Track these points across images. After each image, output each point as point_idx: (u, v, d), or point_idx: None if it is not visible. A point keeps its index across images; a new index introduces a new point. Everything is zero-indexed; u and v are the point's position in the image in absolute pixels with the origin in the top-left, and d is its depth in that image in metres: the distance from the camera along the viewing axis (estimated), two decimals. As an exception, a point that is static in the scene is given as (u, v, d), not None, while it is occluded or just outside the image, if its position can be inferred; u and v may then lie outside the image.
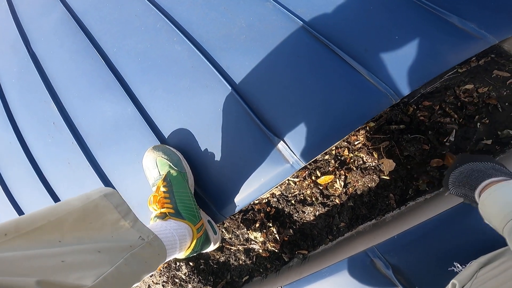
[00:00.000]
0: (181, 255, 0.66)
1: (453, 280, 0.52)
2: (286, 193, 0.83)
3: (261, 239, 0.84)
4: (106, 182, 0.78)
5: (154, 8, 0.88)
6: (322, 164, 0.80)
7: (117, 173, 0.77)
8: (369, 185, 0.78)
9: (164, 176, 0.66)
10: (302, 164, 0.62)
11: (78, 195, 0.45)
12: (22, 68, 1.04)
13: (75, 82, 0.89)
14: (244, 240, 0.86)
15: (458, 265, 0.59)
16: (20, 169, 0.92)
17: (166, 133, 0.73)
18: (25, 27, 1.14)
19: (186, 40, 0.78)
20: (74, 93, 0.88)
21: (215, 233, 0.73)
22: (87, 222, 0.43)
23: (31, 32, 1.11)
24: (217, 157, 0.68)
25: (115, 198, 0.48)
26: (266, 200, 0.84)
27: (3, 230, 0.35)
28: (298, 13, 0.74)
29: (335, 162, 0.78)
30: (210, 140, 0.68)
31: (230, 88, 0.69)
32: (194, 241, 0.65)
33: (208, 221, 0.72)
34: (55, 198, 0.88)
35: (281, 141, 0.63)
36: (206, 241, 0.69)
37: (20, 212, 0.96)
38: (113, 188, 0.78)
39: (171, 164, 0.67)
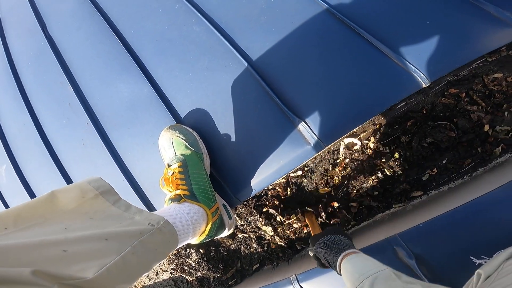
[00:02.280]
0: (195, 240, 0.63)
1: (478, 270, 0.50)
2: (302, 178, 0.81)
3: (272, 231, 0.82)
4: (120, 163, 0.78)
5: (172, -10, 0.87)
6: (339, 145, 0.77)
7: (131, 154, 0.76)
8: (388, 170, 0.75)
9: (179, 156, 0.65)
10: (324, 146, 0.60)
11: (71, 187, 0.42)
12: (38, 51, 1.04)
13: (92, 64, 0.89)
14: (256, 227, 0.85)
15: (484, 256, 0.57)
16: (34, 150, 0.92)
17: (182, 113, 0.71)
18: (42, 11, 1.14)
19: (205, 21, 0.77)
20: (90, 75, 0.88)
21: (229, 217, 0.71)
22: (88, 218, 0.41)
23: (48, 16, 1.11)
24: (235, 138, 0.66)
25: (111, 195, 0.46)
26: (281, 183, 0.82)
27: (3, 224, 0.34)
28: (321, -6, 0.72)
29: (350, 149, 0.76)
30: (228, 121, 0.67)
31: (250, 68, 0.67)
32: (209, 225, 0.63)
33: (223, 205, 0.70)
34: (68, 179, 0.88)
35: (302, 122, 0.61)
36: (220, 226, 0.67)
37: (31, 193, 0.97)
38: (127, 169, 0.78)
39: (187, 144, 0.65)
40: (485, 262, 0.56)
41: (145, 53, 0.81)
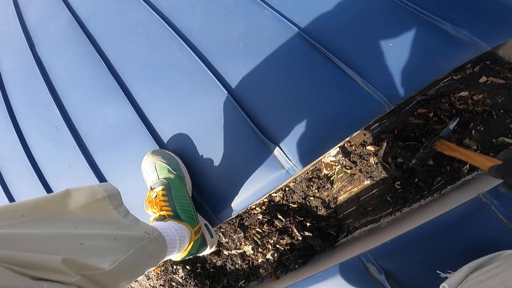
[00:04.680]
0: (178, 256, 0.66)
1: (443, 284, 0.53)
2: (286, 197, 0.84)
3: (252, 249, 0.84)
4: (106, 184, 0.80)
5: (156, 15, 0.90)
6: (319, 166, 0.81)
7: (116, 176, 0.79)
8: (364, 189, 0.79)
9: (163, 179, 0.67)
10: (298, 170, 0.63)
11: (84, 187, 0.45)
12: (27, 72, 1.06)
13: (78, 87, 0.91)
14: (240, 245, 0.87)
15: (449, 271, 0.60)
16: (22, 172, 0.94)
17: (165, 138, 0.74)
18: (31, 31, 1.17)
19: (186, 46, 0.80)
20: (76, 98, 0.90)
21: (211, 236, 0.74)
22: (91, 217, 0.44)
23: (37, 36, 1.13)
24: (215, 162, 0.69)
25: (116, 199, 0.50)
26: (263, 203, 0.85)
27: (20, 211, 0.36)
28: (295, 20, 0.75)
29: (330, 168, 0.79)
30: (208, 145, 0.70)
31: (227, 94, 0.70)
32: (191, 243, 0.66)
33: (205, 225, 0.73)
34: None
35: (277, 148, 0.64)
36: (202, 244, 0.70)
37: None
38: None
39: (169, 168, 0.68)
40: (450, 275, 0.59)
41: (129, 78, 0.84)
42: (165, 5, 0.92)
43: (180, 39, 0.82)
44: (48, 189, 0.89)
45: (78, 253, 0.36)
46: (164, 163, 0.69)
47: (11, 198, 0.99)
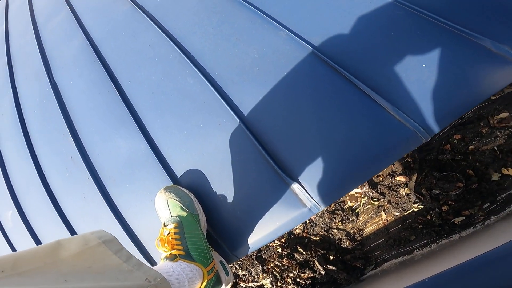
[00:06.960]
0: None
1: None
2: (307, 229, 0.78)
3: (270, 283, 0.79)
4: (120, 217, 0.78)
5: (167, 38, 0.88)
6: (343, 198, 0.75)
7: (130, 209, 0.76)
8: (395, 221, 0.72)
9: (175, 217, 0.65)
10: (321, 208, 0.58)
11: (76, 236, 0.44)
12: (43, 99, 1.07)
13: (91, 116, 0.90)
14: (257, 277, 0.82)
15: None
16: (39, 200, 0.94)
17: (178, 173, 0.71)
18: (48, 54, 1.19)
19: (198, 73, 0.77)
20: (90, 128, 0.89)
21: (227, 274, 0.70)
22: (86, 266, 0.42)
23: (54, 59, 1.15)
24: (230, 198, 0.65)
25: (114, 244, 0.47)
26: (283, 236, 0.80)
27: (0, 267, 0.34)
28: (313, 42, 0.70)
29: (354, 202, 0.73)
30: (223, 181, 0.66)
31: (243, 126, 0.66)
32: (205, 283, 0.63)
33: (220, 262, 0.69)
34: (71, 230, 0.88)
35: (298, 185, 0.59)
36: (217, 283, 0.67)
37: (35, 237, 0.98)
38: (126, 223, 0.78)
39: (182, 206, 0.65)
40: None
41: (142, 107, 0.82)
42: (176, 28, 0.90)
43: (192, 65, 0.79)
44: (65, 219, 0.88)
45: None
46: (176, 200, 0.66)
47: (27, 223, 1.00)
